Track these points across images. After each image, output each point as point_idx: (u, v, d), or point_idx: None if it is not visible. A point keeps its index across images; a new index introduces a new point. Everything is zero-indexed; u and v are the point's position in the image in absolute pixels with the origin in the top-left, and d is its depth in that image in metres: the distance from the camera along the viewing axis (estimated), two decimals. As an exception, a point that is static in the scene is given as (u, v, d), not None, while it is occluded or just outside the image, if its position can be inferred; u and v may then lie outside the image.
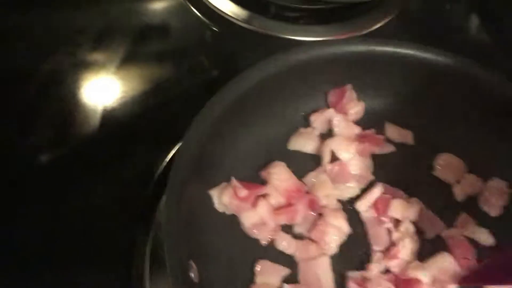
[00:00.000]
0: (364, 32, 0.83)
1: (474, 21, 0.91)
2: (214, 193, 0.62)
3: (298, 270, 0.60)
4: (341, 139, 0.68)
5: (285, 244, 0.61)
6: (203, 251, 0.58)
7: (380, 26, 0.85)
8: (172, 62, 0.82)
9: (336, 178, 0.65)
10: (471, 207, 0.66)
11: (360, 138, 0.69)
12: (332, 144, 0.67)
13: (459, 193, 0.67)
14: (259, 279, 0.59)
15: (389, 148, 0.70)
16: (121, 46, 0.83)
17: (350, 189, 0.66)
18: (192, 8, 0.86)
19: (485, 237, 0.64)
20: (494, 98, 0.66)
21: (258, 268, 0.59)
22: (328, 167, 0.66)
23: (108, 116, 0.74)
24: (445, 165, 0.69)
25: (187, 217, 0.57)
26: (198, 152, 0.59)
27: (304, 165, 0.67)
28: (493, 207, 0.66)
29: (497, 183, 0.67)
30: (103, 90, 0.77)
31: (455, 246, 0.62)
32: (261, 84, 0.65)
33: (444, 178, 0.68)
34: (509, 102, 0.65)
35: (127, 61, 0.81)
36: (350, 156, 0.67)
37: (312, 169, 0.67)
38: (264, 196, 0.63)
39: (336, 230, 0.61)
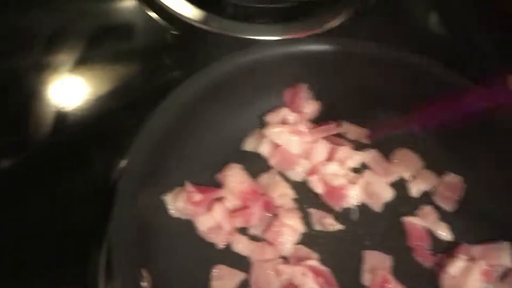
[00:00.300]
0: (322, 30, 0.82)
1: (433, 18, 0.92)
2: (168, 199, 0.62)
3: (251, 272, 0.60)
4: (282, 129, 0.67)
5: (241, 246, 0.61)
6: (158, 258, 0.58)
7: (339, 24, 0.84)
8: (129, 64, 0.81)
9: (282, 165, 0.66)
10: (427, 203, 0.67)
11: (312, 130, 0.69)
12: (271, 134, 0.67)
13: (415, 188, 0.68)
14: (215, 284, 0.59)
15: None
16: (76, 48, 0.81)
17: (297, 173, 0.67)
18: (148, 9, 0.85)
19: (444, 232, 0.64)
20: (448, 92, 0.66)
21: (214, 272, 0.59)
22: (271, 157, 0.67)
23: (64, 120, 0.73)
24: (402, 161, 0.69)
25: (141, 224, 0.57)
26: (149, 158, 0.58)
27: (260, 166, 0.67)
28: (448, 202, 0.66)
29: (451, 178, 0.68)
30: (57, 93, 0.76)
31: (412, 232, 0.63)
32: (214, 85, 0.65)
33: (400, 173, 0.69)
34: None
35: (82, 63, 0.79)
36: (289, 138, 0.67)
37: (267, 170, 0.66)
38: (219, 199, 0.63)
39: (290, 230, 0.61)
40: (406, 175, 0.68)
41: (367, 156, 0.69)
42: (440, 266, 0.59)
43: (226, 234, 0.61)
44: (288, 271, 0.58)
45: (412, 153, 0.70)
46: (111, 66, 0.80)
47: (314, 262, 0.59)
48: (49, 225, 0.63)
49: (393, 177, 0.68)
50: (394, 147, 0.70)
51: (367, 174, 0.67)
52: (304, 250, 0.61)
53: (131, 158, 0.57)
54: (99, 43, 0.82)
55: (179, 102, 0.62)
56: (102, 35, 0.83)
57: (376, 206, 0.66)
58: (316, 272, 0.58)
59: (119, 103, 0.76)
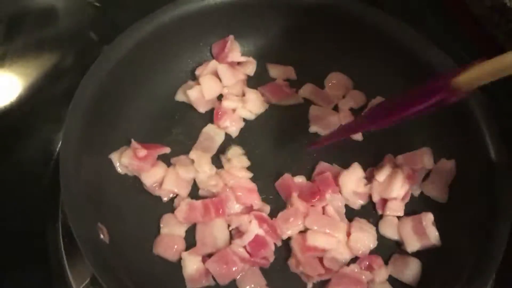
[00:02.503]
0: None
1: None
2: (114, 157, 0.65)
3: (196, 231, 0.62)
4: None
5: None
6: (111, 213, 0.61)
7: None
8: (56, 49, 0.79)
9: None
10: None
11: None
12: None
13: (343, 106, 0.72)
14: (164, 231, 0.62)
15: (296, 100, 0.73)
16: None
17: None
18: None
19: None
20: (366, 28, 0.70)
21: (162, 221, 0.63)
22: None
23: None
24: (334, 83, 0.74)
25: (91, 184, 0.60)
26: (85, 122, 0.60)
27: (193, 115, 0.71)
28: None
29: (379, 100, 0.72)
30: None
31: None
32: (142, 44, 0.67)
33: (332, 94, 0.73)
34: (381, 31, 0.70)
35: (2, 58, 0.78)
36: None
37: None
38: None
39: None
40: (340, 96, 0.73)
41: (305, 90, 0.73)
42: (372, 177, 0.65)
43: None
44: (236, 219, 0.62)
45: (344, 75, 0.74)
46: (36, 55, 0.79)
47: (261, 212, 0.63)
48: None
49: (333, 104, 0.72)
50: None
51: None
52: (258, 203, 0.64)
53: (67, 124, 0.59)
54: (20, 32, 0.80)
55: (108, 65, 0.64)
56: (21, 23, 0.81)
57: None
58: (261, 219, 0.62)
59: (55, 91, 0.76)
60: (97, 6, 0.84)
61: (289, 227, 0.61)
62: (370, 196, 0.65)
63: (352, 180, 0.65)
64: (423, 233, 0.60)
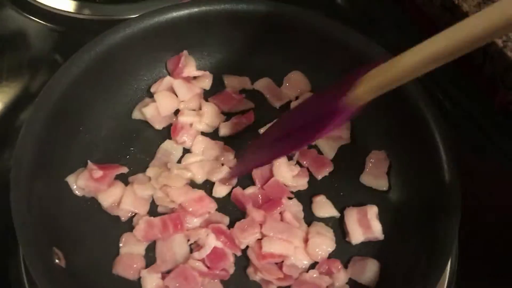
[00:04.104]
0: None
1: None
2: (70, 179, 0.65)
3: (156, 248, 0.62)
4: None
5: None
6: (68, 236, 0.61)
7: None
8: (21, 75, 0.81)
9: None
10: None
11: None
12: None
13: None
14: (123, 250, 0.62)
15: (245, 105, 0.74)
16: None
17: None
18: (20, 10, 0.85)
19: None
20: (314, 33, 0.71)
21: (122, 240, 0.63)
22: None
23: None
24: (292, 82, 0.74)
25: (48, 208, 0.60)
26: (37, 144, 0.60)
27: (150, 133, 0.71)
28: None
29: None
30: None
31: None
32: (96, 62, 0.67)
33: (286, 92, 0.74)
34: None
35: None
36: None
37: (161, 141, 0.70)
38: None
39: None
40: (293, 96, 0.74)
41: (260, 83, 0.74)
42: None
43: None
44: (194, 233, 0.62)
45: (303, 76, 0.75)
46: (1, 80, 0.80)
47: (218, 224, 0.63)
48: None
49: (282, 102, 0.73)
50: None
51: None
52: (216, 215, 0.65)
53: (18, 148, 0.59)
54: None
55: (61, 85, 0.64)
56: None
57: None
58: (218, 231, 0.62)
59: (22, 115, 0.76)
60: (59, 31, 0.85)
61: (246, 236, 0.61)
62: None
63: (284, 166, 0.66)
64: (367, 226, 0.61)
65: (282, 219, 0.63)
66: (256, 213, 0.62)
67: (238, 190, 0.65)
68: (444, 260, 0.52)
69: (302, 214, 0.64)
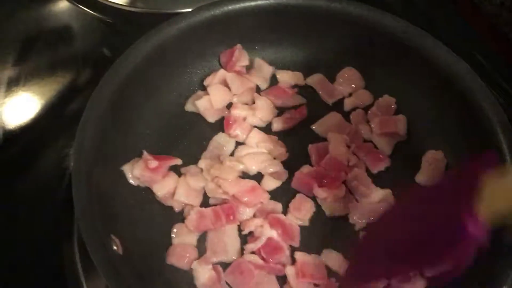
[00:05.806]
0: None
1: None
2: (126, 168, 0.65)
3: (206, 239, 0.63)
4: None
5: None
6: (124, 224, 0.61)
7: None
8: (70, 67, 0.82)
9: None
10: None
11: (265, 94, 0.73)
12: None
13: (348, 104, 0.73)
14: (176, 240, 0.62)
15: (298, 100, 0.74)
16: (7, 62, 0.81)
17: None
18: (81, 6, 0.86)
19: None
20: (378, 31, 0.70)
21: (174, 231, 0.63)
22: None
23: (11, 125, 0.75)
24: (346, 78, 0.74)
25: (105, 196, 0.60)
26: (96, 134, 0.61)
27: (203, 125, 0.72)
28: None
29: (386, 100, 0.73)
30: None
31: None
32: (151, 56, 0.67)
33: (340, 89, 0.74)
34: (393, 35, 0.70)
35: (17, 80, 0.80)
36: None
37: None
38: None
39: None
40: (346, 93, 0.74)
41: (313, 79, 0.74)
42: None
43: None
44: (248, 224, 0.62)
45: (357, 72, 0.75)
46: (51, 74, 0.81)
47: (276, 215, 0.63)
48: (19, 217, 0.67)
49: (335, 99, 0.73)
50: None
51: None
52: (269, 204, 0.65)
53: (78, 139, 0.60)
54: (34, 53, 0.82)
55: (117, 79, 0.64)
56: (36, 43, 0.84)
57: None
58: (275, 222, 0.62)
59: (70, 108, 0.77)
60: (109, 23, 0.86)
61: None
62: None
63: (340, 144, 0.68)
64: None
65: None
66: (321, 192, 0.63)
67: (300, 173, 0.66)
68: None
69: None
